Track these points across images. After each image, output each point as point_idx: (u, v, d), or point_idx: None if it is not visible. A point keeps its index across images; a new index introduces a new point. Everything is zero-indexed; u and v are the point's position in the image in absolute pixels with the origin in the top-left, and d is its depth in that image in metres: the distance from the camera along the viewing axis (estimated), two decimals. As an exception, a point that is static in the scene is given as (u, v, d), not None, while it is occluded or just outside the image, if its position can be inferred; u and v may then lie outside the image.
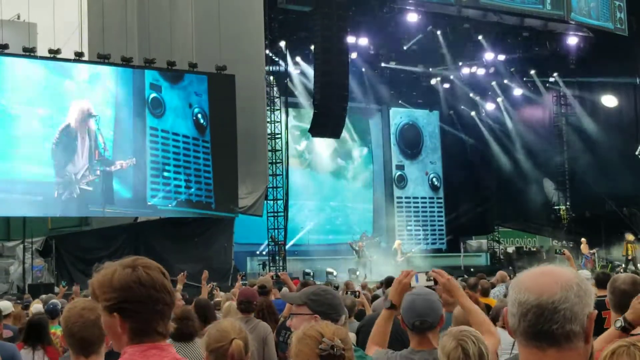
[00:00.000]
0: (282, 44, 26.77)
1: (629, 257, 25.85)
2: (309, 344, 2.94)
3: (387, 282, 10.39)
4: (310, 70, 26.99)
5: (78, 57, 21.30)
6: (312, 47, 25.34)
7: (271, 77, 25.95)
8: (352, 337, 6.28)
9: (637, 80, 29.74)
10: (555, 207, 33.57)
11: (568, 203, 33.30)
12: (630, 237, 26.91)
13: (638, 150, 28.50)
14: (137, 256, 2.62)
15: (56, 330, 7.86)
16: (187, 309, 7.24)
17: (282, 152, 26.21)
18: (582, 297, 2.08)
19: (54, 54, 20.78)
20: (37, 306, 10.30)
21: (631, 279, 4.49)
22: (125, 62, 21.77)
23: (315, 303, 3.83)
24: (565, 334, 2.04)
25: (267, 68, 24.94)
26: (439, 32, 28.36)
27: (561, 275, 2.10)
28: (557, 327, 2.03)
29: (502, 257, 32.54)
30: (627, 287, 4.37)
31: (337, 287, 15.14)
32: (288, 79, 27.65)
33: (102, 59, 21.39)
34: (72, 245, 22.62)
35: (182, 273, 10.96)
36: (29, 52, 20.64)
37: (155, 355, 2.49)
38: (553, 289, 2.06)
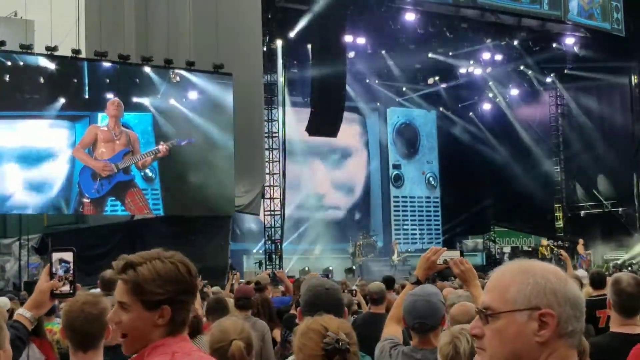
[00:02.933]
0: (280, 42, 26.73)
1: (547, 257, 27.73)
2: (313, 338, 2.91)
3: (386, 281, 10.39)
4: (307, 69, 26.96)
5: (75, 54, 21.25)
6: (310, 46, 25.31)
7: (269, 76, 25.90)
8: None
9: (634, 80, 29.74)
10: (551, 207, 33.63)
11: (564, 203, 33.33)
12: (544, 242, 29.55)
13: None
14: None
15: (52, 327, 7.83)
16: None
17: (279, 151, 26.18)
18: None
19: (51, 51, 20.75)
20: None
21: (635, 280, 4.46)
22: (123, 60, 21.73)
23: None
24: None
25: (264, 66, 24.91)
26: (436, 32, 28.34)
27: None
28: None
29: (498, 256, 32.58)
30: (633, 289, 4.35)
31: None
32: (285, 78, 27.62)
33: (99, 56, 21.36)
34: (68, 242, 22.40)
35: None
36: (25, 49, 20.61)
37: (187, 346, 2.54)
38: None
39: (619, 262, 27.33)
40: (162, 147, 22.28)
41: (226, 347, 3.54)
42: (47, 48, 20.71)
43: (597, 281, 7.69)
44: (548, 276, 1.92)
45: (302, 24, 25.65)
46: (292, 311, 7.76)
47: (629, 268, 24.90)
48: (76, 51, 21.32)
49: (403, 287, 11.55)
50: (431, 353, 4.06)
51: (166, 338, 2.48)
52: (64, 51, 21.09)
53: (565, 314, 1.89)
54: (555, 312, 1.87)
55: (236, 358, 3.53)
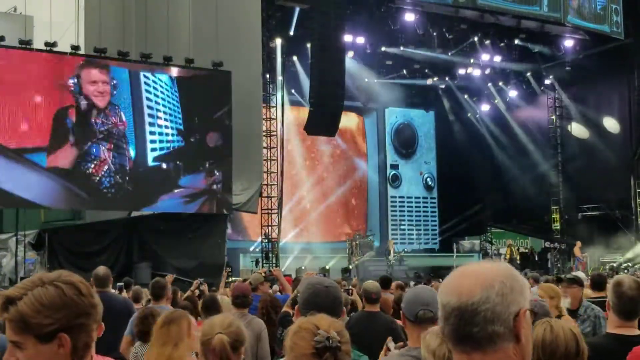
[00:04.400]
0: (279, 41, 26.75)
1: (511, 258, 28.74)
2: (304, 337, 2.90)
3: (382, 281, 10.40)
4: (306, 68, 26.97)
5: (74, 50, 21.24)
6: (309, 45, 25.33)
7: (267, 74, 25.90)
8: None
9: (632, 83, 29.73)
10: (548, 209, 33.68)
11: (561, 205, 33.38)
12: (510, 241, 30.86)
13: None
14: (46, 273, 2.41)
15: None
16: (149, 308, 7.26)
17: (277, 150, 26.19)
18: (506, 296, 1.94)
19: (50, 47, 20.74)
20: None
21: (636, 283, 4.45)
22: (122, 57, 21.72)
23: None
24: (487, 336, 1.92)
25: (263, 65, 24.92)
26: (435, 33, 28.37)
27: (483, 274, 1.98)
28: (478, 329, 1.92)
29: (494, 257, 32.61)
30: (634, 293, 4.34)
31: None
32: (284, 76, 27.63)
33: (99, 52, 21.34)
34: (65, 238, 22.55)
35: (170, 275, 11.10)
36: (25, 45, 20.59)
37: None
38: (473, 289, 1.95)
39: (615, 264, 27.39)
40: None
41: (211, 341, 3.57)
42: (47, 44, 20.69)
43: (598, 283, 7.73)
44: None
45: (301, 22, 25.70)
46: (285, 309, 7.78)
47: (625, 271, 24.94)
48: (75, 47, 21.31)
49: (399, 286, 11.61)
50: None
51: None
52: (63, 47, 21.07)
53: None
54: None
55: (217, 351, 3.53)
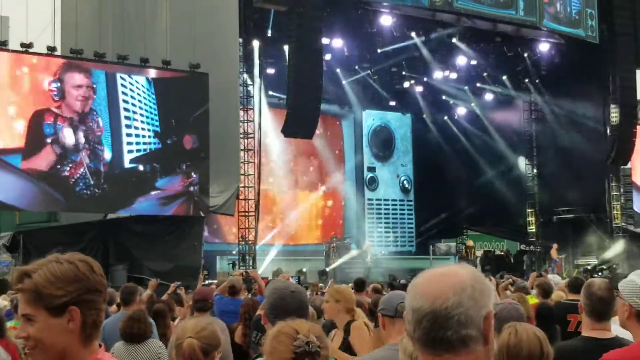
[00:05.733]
0: (257, 42, 26.72)
1: (470, 259, 29.41)
2: (283, 341, 2.91)
3: (357, 283, 10.43)
4: (284, 70, 26.95)
5: (50, 51, 21.11)
6: (287, 47, 25.32)
7: (245, 76, 25.86)
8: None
9: (610, 86, 29.94)
10: (527, 211, 33.88)
11: (536, 208, 33.59)
12: (470, 242, 31.73)
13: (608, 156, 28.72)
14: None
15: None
16: (139, 310, 7.25)
17: (254, 152, 26.14)
18: (478, 300, 1.97)
19: (26, 48, 20.60)
20: (2, 302, 10.37)
21: (606, 284, 4.53)
22: (98, 58, 21.61)
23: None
24: (460, 339, 1.95)
25: (241, 67, 24.90)
26: (412, 35, 28.47)
27: (455, 278, 2.00)
28: (452, 333, 1.94)
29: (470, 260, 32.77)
30: (604, 293, 4.42)
31: (306, 288, 15.19)
32: (262, 78, 27.60)
33: (75, 54, 21.22)
34: (40, 240, 22.35)
35: (154, 280, 11.08)
36: (0, 46, 20.44)
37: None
38: (446, 293, 1.96)
39: (589, 267, 27.63)
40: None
41: (182, 345, 3.59)
42: (22, 45, 20.55)
43: (575, 286, 7.83)
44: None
45: (278, 24, 25.69)
46: (260, 312, 7.80)
47: (599, 273, 25.17)
48: (52, 48, 21.18)
49: (375, 289, 11.65)
50: None
51: (97, 353, 2.42)
52: (40, 48, 20.94)
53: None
54: None
55: (186, 355, 3.55)
